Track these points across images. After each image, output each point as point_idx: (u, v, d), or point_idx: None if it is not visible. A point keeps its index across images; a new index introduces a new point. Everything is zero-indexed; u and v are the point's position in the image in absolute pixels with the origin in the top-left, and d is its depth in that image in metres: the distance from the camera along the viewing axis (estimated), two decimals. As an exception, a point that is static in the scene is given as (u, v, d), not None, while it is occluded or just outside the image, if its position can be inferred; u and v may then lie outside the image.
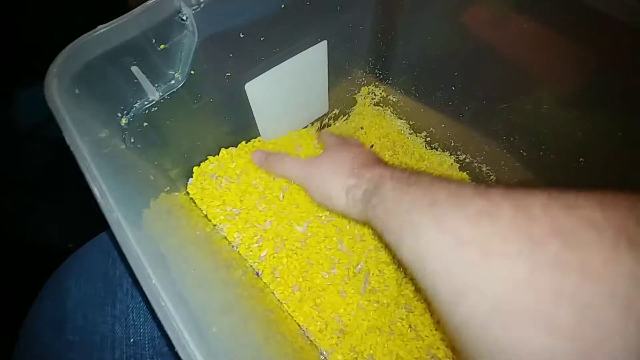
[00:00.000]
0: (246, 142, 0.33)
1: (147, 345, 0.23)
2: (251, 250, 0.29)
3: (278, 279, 0.29)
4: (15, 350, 0.25)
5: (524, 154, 0.32)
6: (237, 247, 0.29)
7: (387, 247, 0.21)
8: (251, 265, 0.29)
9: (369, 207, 0.23)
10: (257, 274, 0.29)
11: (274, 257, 0.29)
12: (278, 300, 0.29)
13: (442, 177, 0.21)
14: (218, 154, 0.32)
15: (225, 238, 0.29)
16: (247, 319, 0.22)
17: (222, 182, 0.30)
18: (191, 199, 0.29)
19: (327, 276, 0.29)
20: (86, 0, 0.54)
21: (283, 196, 0.31)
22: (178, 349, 0.11)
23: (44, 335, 0.24)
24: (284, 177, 0.31)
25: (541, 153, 0.30)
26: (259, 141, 0.34)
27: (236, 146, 0.33)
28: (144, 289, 0.12)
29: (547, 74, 0.27)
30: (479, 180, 0.38)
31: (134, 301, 0.25)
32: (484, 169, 0.37)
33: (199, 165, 0.31)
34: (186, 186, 0.30)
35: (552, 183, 0.31)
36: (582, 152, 0.27)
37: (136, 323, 0.24)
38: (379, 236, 0.24)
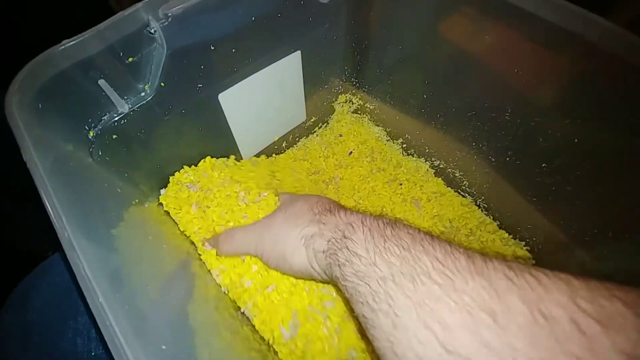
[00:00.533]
0: (221, 152, 0.33)
1: (108, 358, 0.23)
2: (235, 285, 0.28)
3: (264, 320, 0.27)
4: None
5: (492, 159, 0.33)
6: (221, 283, 0.28)
7: (357, 318, 0.17)
8: (228, 295, 0.28)
9: (335, 264, 0.18)
10: (242, 312, 0.27)
11: (261, 295, 0.27)
12: (261, 338, 0.27)
13: (424, 231, 0.17)
14: (196, 165, 0.32)
15: (199, 259, 0.29)
16: (212, 342, 0.21)
17: (201, 195, 0.30)
18: (166, 211, 0.29)
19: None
20: (75, 5, 0.54)
21: None
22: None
23: (9, 347, 0.24)
24: (239, 254, 0.26)
25: (507, 159, 0.31)
26: (233, 159, 0.34)
27: (212, 156, 0.33)
28: (90, 305, 0.12)
29: (509, 84, 0.29)
30: (453, 185, 0.39)
31: None
32: (457, 175, 0.38)
33: (173, 175, 0.31)
34: (160, 198, 0.30)
35: (519, 188, 0.33)
36: (544, 158, 0.28)
37: (97, 337, 0.24)
38: (347, 302, 0.20)
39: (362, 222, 0.19)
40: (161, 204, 0.29)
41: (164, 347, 0.13)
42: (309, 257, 0.21)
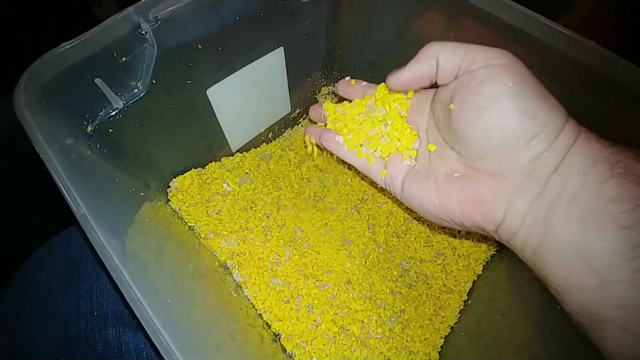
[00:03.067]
0: (211, 142, 0.36)
1: (109, 317, 0.26)
2: (258, 297, 0.32)
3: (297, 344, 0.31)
4: None
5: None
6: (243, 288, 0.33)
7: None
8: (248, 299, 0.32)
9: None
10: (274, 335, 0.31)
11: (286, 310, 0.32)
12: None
13: None
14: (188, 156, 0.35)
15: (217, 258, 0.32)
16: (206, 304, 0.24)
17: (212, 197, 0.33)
18: (168, 200, 0.32)
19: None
20: (54, 15, 0.55)
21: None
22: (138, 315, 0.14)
23: (10, 316, 0.27)
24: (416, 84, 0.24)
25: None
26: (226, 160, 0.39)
27: (203, 149, 0.35)
28: (107, 265, 0.15)
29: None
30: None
31: (98, 282, 0.28)
32: (432, 161, 0.41)
33: (166, 168, 0.33)
34: (156, 185, 0.33)
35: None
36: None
37: (99, 300, 0.27)
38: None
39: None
40: (157, 192, 0.32)
41: (169, 300, 0.15)
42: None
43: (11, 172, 0.56)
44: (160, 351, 0.13)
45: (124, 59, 0.25)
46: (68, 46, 0.22)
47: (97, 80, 0.24)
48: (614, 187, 0.15)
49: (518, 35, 0.26)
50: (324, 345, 0.31)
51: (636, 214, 0.14)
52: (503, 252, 0.37)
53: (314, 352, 0.30)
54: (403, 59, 0.37)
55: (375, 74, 0.41)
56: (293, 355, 0.30)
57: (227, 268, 0.33)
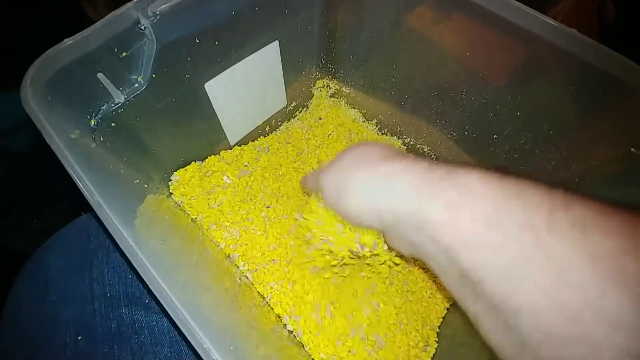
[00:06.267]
0: (210, 135, 0.37)
1: (122, 297, 0.28)
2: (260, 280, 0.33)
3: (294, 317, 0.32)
4: (3, 316, 0.29)
5: (454, 134, 0.37)
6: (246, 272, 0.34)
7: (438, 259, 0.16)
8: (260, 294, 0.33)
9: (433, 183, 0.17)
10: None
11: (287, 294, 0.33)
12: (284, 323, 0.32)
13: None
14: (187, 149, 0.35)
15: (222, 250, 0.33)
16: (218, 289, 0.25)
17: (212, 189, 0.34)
18: (171, 193, 0.33)
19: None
20: (50, 15, 0.54)
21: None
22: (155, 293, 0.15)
23: (30, 298, 0.28)
24: (313, 191, 0.26)
25: (465, 132, 0.35)
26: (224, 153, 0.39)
27: (202, 143, 0.36)
28: (122, 247, 0.15)
29: (463, 67, 0.33)
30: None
31: (108, 266, 0.30)
32: (425, 149, 0.42)
33: (168, 161, 0.34)
34: (158, 178, 0.33)
35: (478, 157, 0.37)
36: (495, 130, 0.32)
37: (112, 282, 0.29)
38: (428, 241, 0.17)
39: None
40: (159, 185, 0.32)
41: (181, 280, 0.16)
42: (397, 187, 0.18)
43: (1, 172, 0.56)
44: (177, 323, 0.14)
45: (124, 54, 0.25)
46: (70, 42, 0.22)
47: (99, 75, 0.25)
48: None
49: (506, 26, 0.27)
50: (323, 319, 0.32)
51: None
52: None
53: (314, 329, 0.32)
54: (395, 52, 0.38)
55: (368, 66, 0.42)
56: (298, 336, 0.32)
57: (231, 258, 0.34)
